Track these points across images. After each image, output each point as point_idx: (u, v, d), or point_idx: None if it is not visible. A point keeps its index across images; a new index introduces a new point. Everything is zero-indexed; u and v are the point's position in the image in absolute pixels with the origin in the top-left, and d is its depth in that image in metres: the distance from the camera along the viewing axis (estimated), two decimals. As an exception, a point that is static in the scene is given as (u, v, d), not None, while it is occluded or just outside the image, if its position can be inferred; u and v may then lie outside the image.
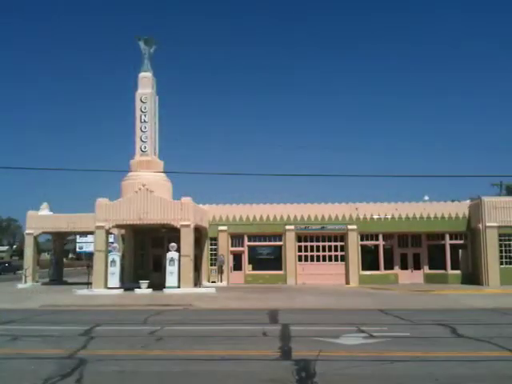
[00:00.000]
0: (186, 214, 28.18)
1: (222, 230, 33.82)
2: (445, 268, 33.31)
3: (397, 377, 8.14)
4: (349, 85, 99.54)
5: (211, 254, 33.89)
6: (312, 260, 34.08)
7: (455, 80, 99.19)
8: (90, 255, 36.86)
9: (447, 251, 33.38)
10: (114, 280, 27.79)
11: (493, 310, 18.63)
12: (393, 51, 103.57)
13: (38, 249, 36.77)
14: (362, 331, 12.97)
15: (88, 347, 11.12)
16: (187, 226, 28.07)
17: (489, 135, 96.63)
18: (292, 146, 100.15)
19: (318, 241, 34.24)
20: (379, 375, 8.26)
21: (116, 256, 28.32)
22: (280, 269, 33.76)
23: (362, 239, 33.93)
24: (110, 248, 28.81)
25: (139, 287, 27.68)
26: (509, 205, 31.69)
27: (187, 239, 28.04)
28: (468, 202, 34.64)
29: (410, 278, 33.85)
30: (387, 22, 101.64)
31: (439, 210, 33.58)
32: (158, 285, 27.99)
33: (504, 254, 31.30)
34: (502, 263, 31.09)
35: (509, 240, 31.40)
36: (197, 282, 30.08)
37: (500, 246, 31.26)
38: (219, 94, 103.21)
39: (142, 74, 32.85)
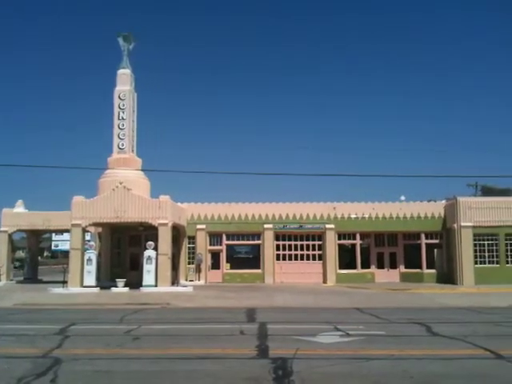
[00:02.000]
0: (163, 212, 28.02)
1: (200, 229, 33.73)
2: (420, 267, 33.79)
3: (372, 375, 8.22)
4: (323, 84, 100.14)
5: (189, 253, 33.78)
6: (290, 259, 34.22)
7: (431, 81, 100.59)
8: (65, 253, 36.44)
9: (423, 251, 33.86)
10: (90, 278, 27.50)
11: (467, 308, 18.93)
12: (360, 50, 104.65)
13: (13, 247, 36.20)
14: (339, 330, 13.06)
15: (63, 346, 10.99)
16: (165, 224, 27.92)
17: (465, 136, 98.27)
18: (276, 146, 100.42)
19: (296, 240, 34.40)
20: (355, 373, 8.34)
21: (92, 254, 28.03)
22: (258, 267, 33.83)
23: (339, 238, 34.20)
24: (86, 246, 28.51)
25: (116, 286, 27.44)
26: (483, 205, 32.25)
27: (165, 238, 27.90)
28: (444, 202, 35.17)
29: (386, 276, 34.24)
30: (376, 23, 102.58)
31: (415, 209, 34.04)
32: (135, 283, 27.77)
33: (478, 254, 31.84)
34: (476, 263, 31.62)
35: (483, 240, 31.96)
36: (174, 281, 29.94)
37: (474, 245, 31.79)
38: (200, 92, 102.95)
39: (120, 71, 32.53)
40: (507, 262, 31.82)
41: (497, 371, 8.47)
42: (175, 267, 31.23)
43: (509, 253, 31.93)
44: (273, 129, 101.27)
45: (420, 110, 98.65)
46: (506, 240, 31.93)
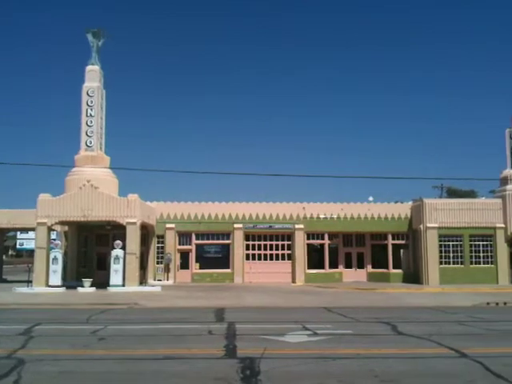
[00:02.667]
0: (132, 211, 27.73)
1: (169, 228, 33.50)
2: (387, 267, 34.32)
3: (338, 374, 8.31)
4: (290, 84, 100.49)
5: (158, 252, 33.50)
6: (259, 258, 34.29)
7: (399, 80, 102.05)
8: (31, 252, 35.71)
9: (389, 251, 34.41)
10: (56, 278, 27.01)
11: (432, 308, 19.32)
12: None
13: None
14: (307, 329, 13.16)
15: (27, 347, 10.78)
16: (133, 223, 27.64)
17: (430, 138, 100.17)
18: (238, 146, 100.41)
19: (265, 239, 34.49)
20: (321, 372, 8.42)
21: (58, 253, 27.55)
22: (227, 267, 33.79)
23: (308, 238, 34.43)
24: (51, 245, 27.99)
25: (82, 286, 27.02)
26: (448, 206, 32.96)
27: (133, 237, 27.62)
28: (410, 203, 35.78)
29: (353, 276, 34.68)
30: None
31: (383, 210, 34.57)
32: (102, 283, 27.40)
33: (443, 254, 32.51)
34: (441, 263, 32.27)
35: (448, 241, 32.63)
36: (142, 281, 29.67)
37: (440, 246, 32.44)
38: (172, 92, 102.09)
39: (89, 67, 32.02)
40: (471, 263, 32.57)
41: (460, 370, 8.65)
42: (143, 267, 30.95)
43: (473, 253, 32.69)
44: (243, 128, 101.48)
45: (392, 112, 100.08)
46: (470, 241, 32.68)
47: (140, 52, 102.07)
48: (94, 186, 27.63)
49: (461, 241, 32.62)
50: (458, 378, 8.04)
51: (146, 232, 31.85)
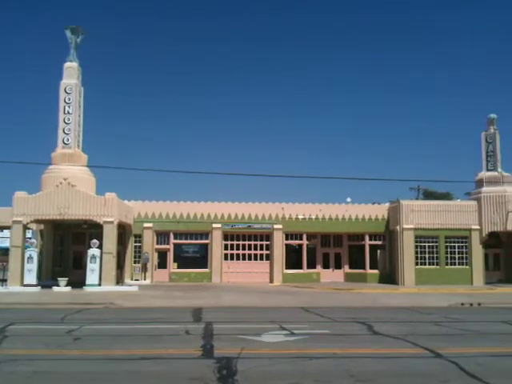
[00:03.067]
0: (109, 209, 27.48)
1: (147, 227, 33.28)
2: (364, 268, 34.65)
3: (315, 373, 8.35)
4: (264, 84, 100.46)
5: (135, 252, 33.24)
6: (238, 258, 34.29)
7: (383, 79, 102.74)
8: (5, 251, 35.14)
9: (366, 251, 34.74)
10: (31, 277, 26.62)
11: (408, 308, 19.54)
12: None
13: None
14: (284, 329, 13.20)
15: (1, 346, 10.61)
16: (110, 222, 27.38)
17: (408, 141, 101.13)
18: (215, 146, 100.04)
19: (244, 239, 34.50)
20: (298, 372, 8.45)
21: (33, 252, 27.15)
22: (205, 267, 33.72)
23: (286, 238, 34.55)
24: (27, 244, 27.59)
25: (57, 285, 26.67)
26: (425, 208, 33.42)
27: (110, 236, 27.36)
28: (387, 204, 36.17)
29: (331, 276, 34.92)
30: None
31: (360, 211, 34.88)
32: (78, 283, 27.08)
33: (419, 255, 32.95)
34: (417, 264, 32.70)
35: (424, 242, 33.07)
36: (119, 280, 29.43)
37: (416, 247, 32.87)
38: (155, 92, 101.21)
39: (67, 64, 31.63)
40: (446, 264, 33.06)
41: (435, 370, 8.76)
42: (120, 266, 30.70)
43: (448, 254, 33.19)
44: (222, 128, 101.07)
45: (369, 112, 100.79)
46: (446, 242, 33.18)
47: (125, 50, 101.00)
48: (70, 184, 27.30)
49: (436, 242, 33.09)
50: (433, 378, 8.15)
51: (124, 231, 31.59)
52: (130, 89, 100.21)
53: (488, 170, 34.10)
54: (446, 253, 33.18)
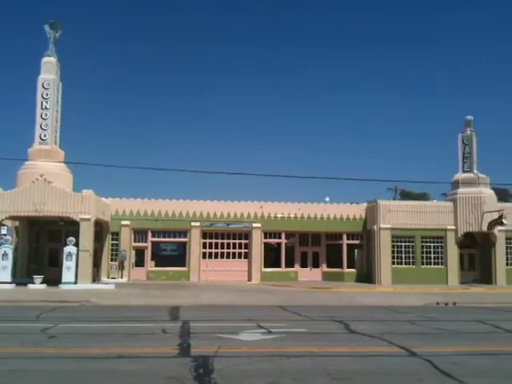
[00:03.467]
0: (86, 206, 27.19)
1: (124, 225, 33.01)
2: (341, 267, 34.91)
3: (292, 372, 8.38)
4: (232, 84, 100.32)
5: (112, 249, 32.97)
6: (216, 257, 34.25)
7: (363, 79, 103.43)
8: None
9: (344, 251, 35.03)
10: (6, 274, 26.20)
11: (384, 307, 19.74)
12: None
13: None
14: (262, 327, 13.22)
15: (-27, 346, 10.40)
16: (87, 219, 27.10)
17: (386, 142, 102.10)
18: (192, 145, 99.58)
19: (222, 238, 34.48)
20: (275, 370, 8.46)
21: (8, 249, 26.72)
22: (184, 265, 33.60)
23: (265, 237, 34.64)
24: (1, 240, 27.13)
25: (33, 282, 26.31)
26: (402, 208, 33.82)
27: (87, 233, 27.08)
28: (365, 204, 36.49)
29: (309, 275, 35.11)
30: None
31: (338, 211, 35.14)
32: (54, 280, 26.75)
33: (396, 255, 33.34)
34: (393, 263, 33.08)
35: (400, 241, 33.46)
36: (95, 278, 29.14)
37: (392, 246, 33.25)
38: (138, 89, 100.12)
39: (45, 59, 31.20)
40: (422, 263, 33.51)
41: (410, 368, 8.85)
42: (97, 264, 30.41)
43: (424, 254, 33.65)
44: (200, 127, 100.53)
45: (348, 112, 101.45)
46: (422, 242, 33.63)
47: (110, 47, 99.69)
48: (47, 181, 26.94)
49: (413, 242, 33.51)
50: (408, 377, 8.23)
51: (101, 228, 31.29)
52: (112, 85, 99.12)
53: (464, 171, 34.64)
54: (422, 253, 33.63)
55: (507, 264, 34.18)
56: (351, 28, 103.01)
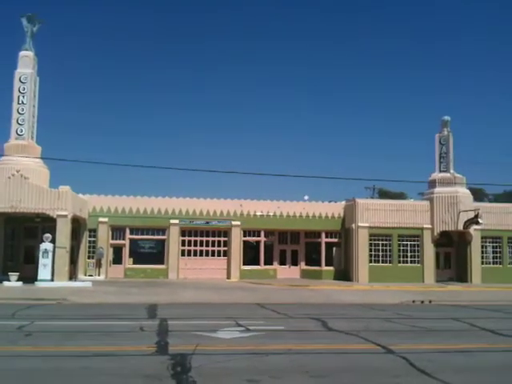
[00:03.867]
0: (63, 203, 26.88)
1: (102, 222, 32.69)
2: (320, 264, 35.12)
3: (270, 370, 8.40)
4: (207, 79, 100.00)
5: (89, 247, 32.63)
6: (195, 255, 34.15)
7: (342, 78, 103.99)
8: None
9: (322, 249, 35.23)
10: (-20, 272, 25.78)
11: (361, 304, 19.93)
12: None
13: None
14: (240, 325, 13.23)
15: None
16: (64, 216, 26.80)
17: (365, 143, 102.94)
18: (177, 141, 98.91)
19: (202, 236, 34.38)
20: (253, 368, 8.48)
21: (-17, 246, 26.28)
22: (162, 263, 33.42)
23: (244, 235, 34.64)
24: (-24, 237, 26.67)
25: (8, 280, 25.92)
26: (379, 207, 34.15)
27: (64, 230, 26.78)
28: (343, 203, 36.74)
29: (287, 273, 35.23)
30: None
31: (317, 209, 35.33)
32: (30, 278, 26.41)
33: (373, 253, 33.65)
34: (370, 261, 33.40)
35: (378, 240, 33.78)
36: (72, 276, 28.84)
37: (370, 245, 33.55)
38: (110, 86, 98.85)
39: (22, 53, 30.70)
40: (399, 262, 33.89)
41: (386, 365, 8.95)
42: (74, 261, 30.08)
43: (401, 253, 34.02)
44: (177, 124, 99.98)
45: (328, 111, 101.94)
46: (399, 240, 34.01)
47: (88, 42, 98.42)
48: (23, 177, 26.56)
49: (390, 240, 33.87)
50: (384, 374, 8.32)
51: (78, 225, 30.95)
52: (93, 81, 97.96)
53: (441, 171, 35.11)
54: (399, 251, 34.01)
55: (482, 263, 34.77)
56: (328, 25, 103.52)
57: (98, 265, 32.24)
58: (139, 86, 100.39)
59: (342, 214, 35.50)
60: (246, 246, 34.90)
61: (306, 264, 35.87)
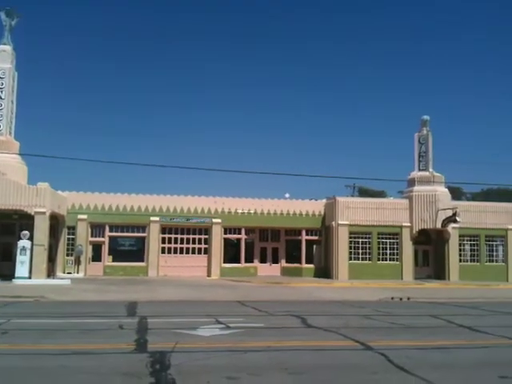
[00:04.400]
0: (41, 200, 26.53)
1: (81, 219, 32.33)
2: (300, 262, 35.25)
3: (249, 367, 8.41)
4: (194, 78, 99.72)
5: (68, 244, 32.25)
6: (176, 252, 33.98)
7: (327, 76, 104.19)
8: None
9: (303, 246, 35.36)
10: (-45, 269, 25.34)
11: (341, 302, 20.06)
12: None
13: None
14: (220, 322, 13.22)
15: None
16: (42, 213, 26.46)
17: (345, 141, 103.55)
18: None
19: (182, 233, 34.22)
20: (232, 365, 8.48)
21: (-42, 243, 25.84)
22: (142, 260, 33.20)
23: (225, 233, 34.58)
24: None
25: (-16, 277, 25.54)
26: (359, 205, 34.39)
27: (42, 227, 26.44)
28: (324, 200, 36.92)
29: (268, 270, 35.29)
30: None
31: (298, 207, 35.44)
32: (7, 275, 26.05)
33: (353, 251, 33.88)
34: (350, 259, 33.63)
35: (357, 237, 34.02)
36: (50, 273, 28.50)
37: (350, 242, 33.77)
38: (90, 83, 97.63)
39: (0, 47, 30.19)
40: (378, 259, 34.18)
41: (365, 362, 9.02)
42: (52, 259, 29.73)
43: (380, 250, 34.32)
44: (158, 121, 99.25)
45: (311, 109, 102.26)
46: (378, 238, 34.29)
47: (70, 37, 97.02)
48: (1, 173, 26.19)
49: (369, 238, 34.13)
50: (363, 370, 8.39)
51: (56, 223, 30.59)
52: (73, 77, 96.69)
53: (420, 169, 35.46)
54: (379, 249, 34.30)
55: (460, 260, 35.24)
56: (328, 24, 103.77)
57: (77, 262, 31.90)
58: (121, 82, 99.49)
59: (322, 212, 35.67)
60: (227, 243, 34.85)
61: (287, 262, 35.97)
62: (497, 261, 35.97)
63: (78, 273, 31.51)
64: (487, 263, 35.70)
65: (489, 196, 61.15)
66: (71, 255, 32.06)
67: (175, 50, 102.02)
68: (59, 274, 30.47)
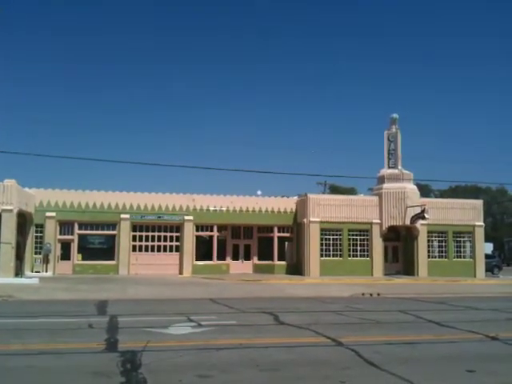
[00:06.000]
0: (8, 197, 25.98)
1: (49, 217, 31.74)
2: (272, 259, 35.37)
3: (221, 364, 8.40)
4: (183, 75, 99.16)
5: (36, 242, 31.65)
6: (147, 250, 33.69)
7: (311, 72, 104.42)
8: None
9: (275, 243, 35.48)
10: None
11: (312, 298, 20.21)
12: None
13: None
14: (192, 320, 13.17)
15: None
16: (9, 210, 25.92)
17: (318, 138, 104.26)
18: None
19: (153, 231, 33.94)
20: (204, 363, 8.45)
21: None
22: (112, 259, 32.82)
23: (197, 230, 34.43)
24: None
25: (-51, 277, 24.86)
26: (330, 202, 34.69)
27: (9, 225, 25.89)
28: (296, 198, 37.10)
29: (240, 268, 35.30)
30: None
31: (270, 204, 35.54)
32: (-28, 274, 25.40)
33: (324, 247, 34.15)
34: (322, 255, 33.89)
35: (328, 234, 34.31)
36: (18, 272, 27.93)
37: (321, 239, 34.04)
38: (67, 80, 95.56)
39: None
40: (349, 256, 34.54)
41: (336, 358, 9.11)
42: (20, 257, 29.12)
43: (351, 247, 34.68)
44: (130, 119, 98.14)
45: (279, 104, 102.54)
46: (349, 235, 34.65)
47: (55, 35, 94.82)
48: (-35, 170, 25.51)
49: (340, 235, 34.46)
50: (334, 366, 8.46)
51: (24, 220, 29.96)
52: (43, 72, 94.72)
53: (389, 167, 35.96)
54: (349, 245, 34.66)
55: (429, 256, 35.87)
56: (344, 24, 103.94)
57: (46, 261, 31.32)
58: (91, 80, 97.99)
59: (294, 209, 35.84)
60: (199, 240, 34.72)
61: (259, 259, 36.03)
62: (464, 257, 36.72)
63: (46, 271, 30.94)
64: (455, 259, 36.42)
65: (456, 193, 62.46)
66: (39, 254, 31.48)
67: (177, 49, 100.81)
68: (27, 272, 29.89)
